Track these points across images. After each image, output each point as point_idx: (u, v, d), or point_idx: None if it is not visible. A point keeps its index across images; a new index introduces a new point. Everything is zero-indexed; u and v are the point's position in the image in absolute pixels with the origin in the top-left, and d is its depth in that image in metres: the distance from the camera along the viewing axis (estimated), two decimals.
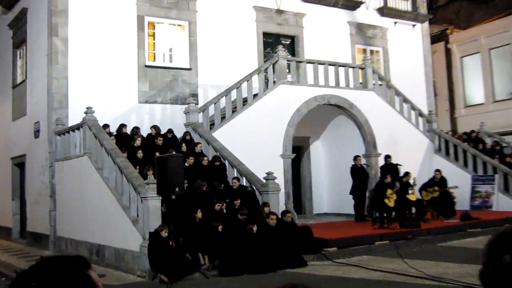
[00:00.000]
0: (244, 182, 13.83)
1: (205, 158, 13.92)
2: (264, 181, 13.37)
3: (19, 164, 18.85)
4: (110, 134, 14.17)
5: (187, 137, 15.07)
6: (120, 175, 12.23)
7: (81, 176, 13.98)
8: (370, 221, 15.14)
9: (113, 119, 15.29)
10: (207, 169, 13.74)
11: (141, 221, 11.17)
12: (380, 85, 19.24)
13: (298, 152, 18.79)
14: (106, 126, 14.43)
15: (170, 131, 15.23)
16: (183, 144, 14.44)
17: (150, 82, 16.99)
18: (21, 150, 18.36)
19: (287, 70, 17.20)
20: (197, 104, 16.54)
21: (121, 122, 15.21)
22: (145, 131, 15.37)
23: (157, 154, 12.26)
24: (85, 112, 13.93)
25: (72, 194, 14.49)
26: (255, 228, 11.24)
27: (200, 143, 14.73)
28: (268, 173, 13.40)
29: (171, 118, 16.90)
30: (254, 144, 15.55)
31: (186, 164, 12.94)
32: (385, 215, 14.49)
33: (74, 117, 15.03)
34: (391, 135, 18.48)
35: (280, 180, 14.68)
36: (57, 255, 2.33)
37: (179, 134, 15.50)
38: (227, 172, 14.20)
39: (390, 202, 14.51)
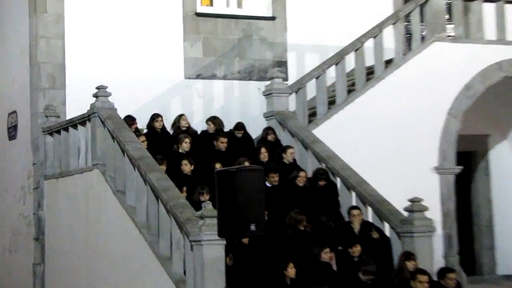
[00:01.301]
0: (369, 215, 13.92)
1: (302, 174, 14.04)
2: (405, 214, 13.33)
3: None
4: (137, 132, 14.58)
5: (270, 137, 15.31)
6: (155, 203, 12.49)
7: (89, 204, 14.43)
8: None
9: (142, 106, 15.84)
10: (305, 192, 13.87)
11: (192, 282, 11.35)
12: None
13: (467, 163, 18.77)
14: (131, 118, 14.84)
15: (239, 126, 15.49)
16: (263, 150, 14.59)
17: (205, 42, 17.39)
18: None
19: (447, 17, 17.20)
20: (286, 79, 16.81)
21: (156, 111, 15.52)
22: (197, 126, 15.77)
23: (218, 166, 12.50)
24: (95, 95, 14.33)
25: (73, 236, 14.99)
26: None
27: (291, 148, 14.89)
28: (413, 200, 13.27)
29: (241, 104, 17.37)
30: (386, 148, 15.75)
31: (268, 184, 13.12)
32: None
33: (76, 104, 15.59)
34: None
35: (434, 212, 14.63)
36: None
37: (255, 132, 15.86)
38: (339, 198, 14.31)
39: None
